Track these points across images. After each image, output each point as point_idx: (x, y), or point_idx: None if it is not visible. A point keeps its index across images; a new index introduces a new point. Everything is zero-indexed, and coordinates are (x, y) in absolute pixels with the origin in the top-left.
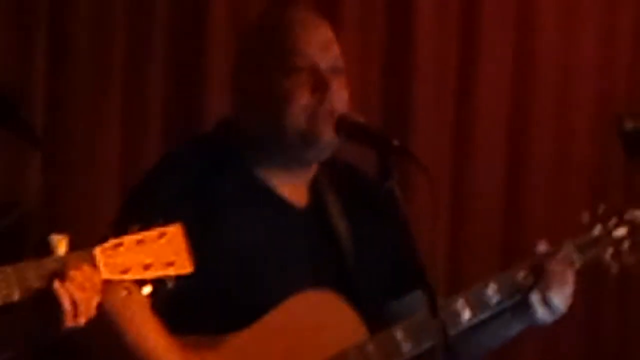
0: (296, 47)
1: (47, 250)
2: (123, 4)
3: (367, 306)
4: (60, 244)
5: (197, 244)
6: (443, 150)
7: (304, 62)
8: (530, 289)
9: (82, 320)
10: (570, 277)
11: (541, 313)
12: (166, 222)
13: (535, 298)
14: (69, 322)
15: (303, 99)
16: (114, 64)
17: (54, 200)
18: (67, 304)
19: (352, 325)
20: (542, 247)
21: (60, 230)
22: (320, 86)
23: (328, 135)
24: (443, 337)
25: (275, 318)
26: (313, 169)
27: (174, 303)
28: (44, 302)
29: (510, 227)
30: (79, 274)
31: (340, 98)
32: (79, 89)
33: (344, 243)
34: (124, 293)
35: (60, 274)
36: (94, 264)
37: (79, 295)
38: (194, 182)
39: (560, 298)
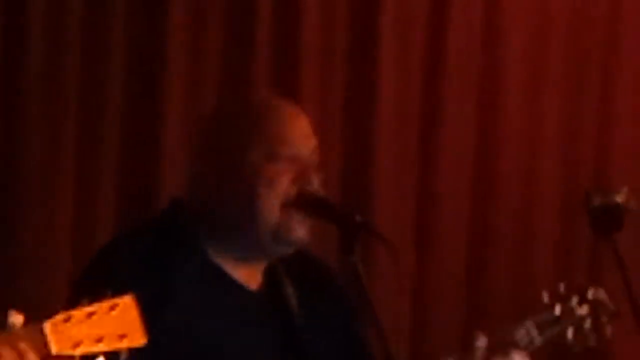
0: (283, 135)
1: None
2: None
3: None
4: (15, 320)
5: (149, 323)
6: (405, 221)
7: (289, 151)
8: None
9: None
10: None
11: None
12: (115, 294)
13: None
14: None
15: (283, 187)
16: (67, 122)
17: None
18: None
19: None
20: (480, 341)
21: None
22: (302, 177)
23: (301, 233)
24: None
25: None
26: (270, 257)
27: None
28: None
29: (474, 302)
30: (8, 353)
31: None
32: (30, 159)
33: (298, 326)
34: None
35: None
36: (44, 339)
37: None
38: (148, 261)
39: None
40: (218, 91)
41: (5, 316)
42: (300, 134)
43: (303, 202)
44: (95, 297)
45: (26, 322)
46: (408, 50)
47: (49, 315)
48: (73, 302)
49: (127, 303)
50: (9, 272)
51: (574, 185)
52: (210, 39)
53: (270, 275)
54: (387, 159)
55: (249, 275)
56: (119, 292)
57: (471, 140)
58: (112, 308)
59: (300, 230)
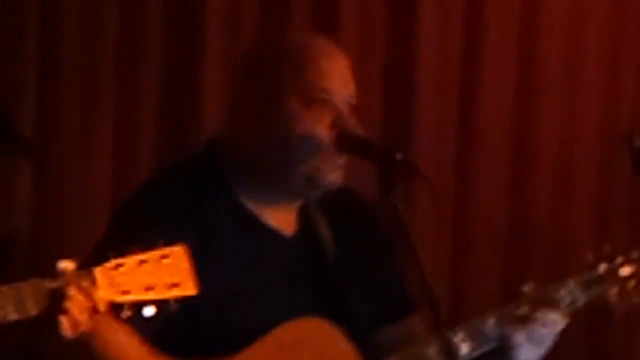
0: (321, 81)
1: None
2: (115, 16)
3: (359, 332)
4: (68, 268)
5: None
6: (446, 162)
7: (327, 97)
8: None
9: (76, 332)
10: (550, 339)
11: (522, 358)
12: (168, 242)
13: (517, 343)
14: (67, 334)
15: (321, 133)
16: (105, 75)
17: (44, 215)
18: (66, 323)
19: (345, 353)
20: (529, 288)
21: (50, 246)
22: (339, 123)
23: (334, 177)
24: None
25: (266, 345)
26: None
27: (160, 327)
28: (44, 320)
29: (515, 243)
30: (76, 290)
31: None
32: (70, 100)
33: (334, 269)
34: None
35: (59, 293)
36: (94, 284)
37: (76, 311)
38: (186, 204)
39: (534, 353)
40: (257, 30)
41: (54, 265)
42: (338, 79)
43: (344, 141)
44: (142, 243)
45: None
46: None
47: (97, 259)
48: (112, 242)
49: (179, 252)
50: (50, 211)
51: (614, 138)
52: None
53: (304, 217)
54: (428, 101)
55: (282, 219)
56: (154, 235)
57: (512, 76)
58: (164, 257)
59: (333, 174)
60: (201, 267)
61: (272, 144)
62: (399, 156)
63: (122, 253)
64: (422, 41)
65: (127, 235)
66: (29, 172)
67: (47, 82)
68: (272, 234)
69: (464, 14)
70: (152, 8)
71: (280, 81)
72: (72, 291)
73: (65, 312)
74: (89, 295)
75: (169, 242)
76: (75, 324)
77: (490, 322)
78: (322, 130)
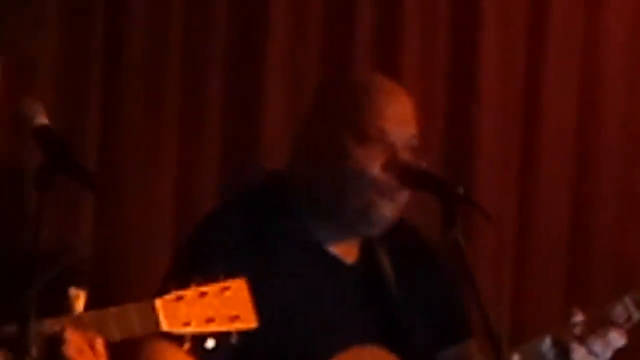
0: (375, 118)
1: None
2: (178, 48)
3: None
4: (78, 299)
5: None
6: (508, 195)
7: (381, 135)
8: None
9: None
10: (607, 356)
11: None
12: (228, 275)
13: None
14: None
15: (372, 172)
16: (168, 106)
17: (106, 247)
18: None
19: None
20: (578, 317)
21: (113, 280)
22: (392, 164)
23: (387, 212)
24: None
25: None
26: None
27: (225, 358)
28: None
29: (575, 276)
30: (75, 337)
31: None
32: (133, 132)
33: (394, 298)
34: (185, 347)
35: (56, 339)
36: (154, 316)
37: (74, 357)
38: (250, 234)
39: None
40: (321, 43)
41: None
42: (396, 117)
43: (406, 175)
44: (206, 275)
45: (128, 297)
46: (510, 33)
47: (157, 291)
48: (178, 273)
49: (240, 285)
50: (112, 243)
51: None
52: (313, 13)
53: (366, 250)
54: (489, 132)
55: (345, 250)
56: (220, 263)
57: (574, 96)
58: (225, 289)
59: (387, 209)
60: (265, 290)
61: (325, 179)
62: (460, 190)
63: (184, 285)
64: (482, 73)
65: (195, 266)
66: (91, 205)
67: (111, 118)
68: (335, 260)
69: (525, 49)
70: (216, 25)
71: (338, 116)
72: (70, 336)
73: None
74: (87, 338)
75: (233, 272)
76: None
77: (547, 342)
78: (374, 167)
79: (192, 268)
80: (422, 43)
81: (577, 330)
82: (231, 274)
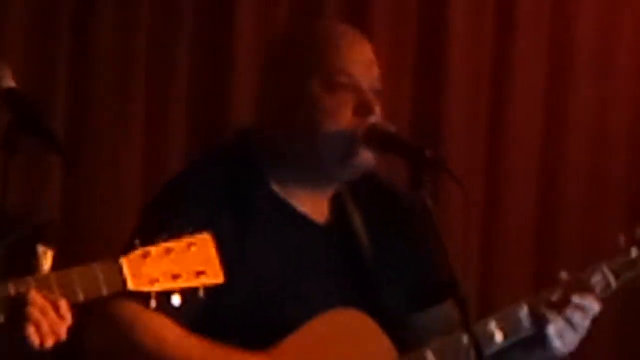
0: (343, 64)
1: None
2: (148, 10)
3: (391, 320)
4: (46, 257)
5: (224, 257)
6: (476, 159)
7: (349, 81)
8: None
9: (49, 343)
10: (586, 324)
11: (557, 345)
12: (194, 231)
13: (553, 330)
14: (36, 344)
15: (345, 119)
16: (137, 68)
17: (74, 209)
18: (29, 328)
19: (380, 344)
20: (564, 275)
21: (80, 240)
22: (363, 108)
23: (366, 157)
24: (476, 354)
25: (302, 336)
26: (337, 184)
27: (195, 316)
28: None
29: (544, 239)
30: (39, 298)
31: (379, 119)
32: (102, 95)
33: (367, 258)
34: (152, 305)
35: (20, 300)
36: (122, 275)
37: (38, 317)
38: (218, 193)
39: (570, 340)
40: (288, 19)
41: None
42: (361, 62)
43: (373, 137)
44: (172, 232)
45: (97, 256)
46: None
47: (124, 249)
48: (145, 231)
49: (205, 241)
50: (81, 206)
51: None
52: None
53: (337, 205)
54: (459, 94)
55: (315, 207)
56: (190, 223)
57: (544, 72)
58: (190, 246)
59: (366, 154)
60: (238, 253)
61: (297, 130)
62: (428, 153)
63: (148, 241)
64: (452, 36)
65: (163, 223)
66: (59, 168)
67: (79, 80)
68: (305, 222)
69: (496, 8)
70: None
71: (303, 66)
72: (35, 298)
73: (29, 319)
74: (53, 299)
75: (204, 228)
76: (45, 331)
77: (524, 309)
78: (346, 113)
79: (162, 224)
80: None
81: (556, 297)
82: (201, 230)
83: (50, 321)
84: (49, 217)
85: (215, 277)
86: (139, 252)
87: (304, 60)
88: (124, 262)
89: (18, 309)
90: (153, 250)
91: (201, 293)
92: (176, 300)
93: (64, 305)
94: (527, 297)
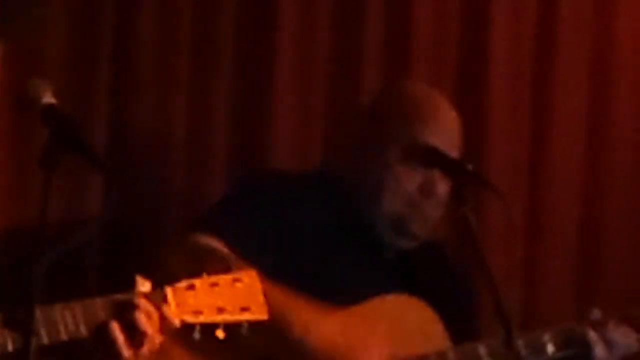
0: (424, 139)
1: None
2: (189, 30)
3: None
4: (143, 285)
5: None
6: (518, 176)
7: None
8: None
9: (145, 352)
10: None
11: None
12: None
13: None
14: (129, 352)
15: (409, 189)
16: (179, 86)
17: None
18: (123, 336)
19: (435, 330)
20: (595, 314)
21: (122, 257)
22: (426, 190)
23: (418, 227)
24: None
25: (366, 308)
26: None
27: None
28: (105, 333)
29: (588, 252)
30: (147, 302)
31: (439, 204)
32: (143, 111)
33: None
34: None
35: (129, 303)
36: (166, 303)
37: (144, 322)
38: (276, 210)
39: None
40: (330, 33)
41: (133, 282)
42: (441, 140)
43: (415, 153)
44: (221, 268)
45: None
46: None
47: (172, 281)
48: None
49: (251, 276)
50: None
51: None
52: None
53: (402, 255)
54: (500, 111)
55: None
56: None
57: (585, 81)
58: (236, 280)
59: (417, 224)
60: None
61: (365, 189)
62: (469, 167)
63: (195, 275)
64: (492, 59)
65: (229, 220)
66: (99, 185)
67: (120, 97)
68: (375, 245)
69: (536, 32)
70: (224, 15)
71: (387, 129)
72: (142, 302)
73: (132, 323)
74: (159, 311)
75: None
76: (140, 338)
77: (579, 330)
78: (412, 185)
79: (231, 221)
80: (433, 36)
81: (593, 323)
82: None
83: (154, 326)
84: (90, 234)
85: (260, 313)
86: (184, 283)
87: (389, 125)
88: (169, 290)
89: (123, 314)
90: (198, 282)
91: (244, 329)
92: (220, 334)
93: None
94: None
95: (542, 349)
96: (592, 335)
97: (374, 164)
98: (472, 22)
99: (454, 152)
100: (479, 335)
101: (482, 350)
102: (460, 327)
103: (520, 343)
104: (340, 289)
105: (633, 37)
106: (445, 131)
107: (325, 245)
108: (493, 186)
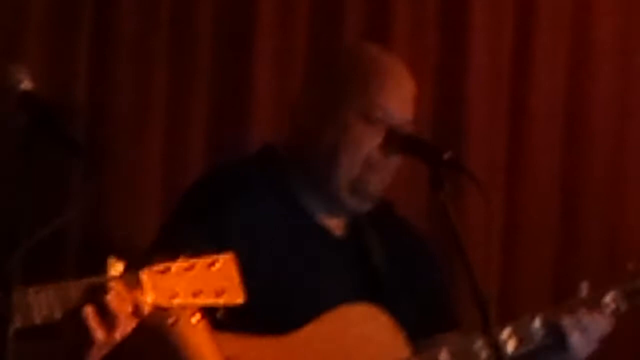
0: (382, 101)
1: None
2: (168, 17)
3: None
4: (115, 268)
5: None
6: (498, 161)
7: (383, 116)
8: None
9: (117, 336)
10: (605, 330)
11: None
12: (217, 246)
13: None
14: (102, 335)
15: (367, 149)
16: (157, 72)
17: (95, 209)
18: (96, 319)
19: (395, 339)
20: (584, 290)
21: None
22: (387, 146)
23: (375, 188)
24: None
25: (316, 327)
26: (350, 212)
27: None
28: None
29: (566, 240)
30: (120, 286)
31: (396, 162)
32: (122, 98)
33: (380, 275)
34: (170, 320)
35: (101, 286)
36: (140, 287)
37: (116, 305)
38: (242, 202)
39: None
40: (307, 30)
41: (105, 263)
42: (399, 102)
43: (392, 139)
44: (194, 244)
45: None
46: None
47: (146, 262)
48: (168, 236)
49: (227, 260)
50: (102, 207)
51: None
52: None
53: (354, 227)
54: (479, 98)
55: (334, 224)
56: (213, 230)
57: (563, 72)
58: (212, 264)
59: (375, 183)
60: (251, 261)
61: (322, 150)
62: (447, 155)
63: (175, 252)
64: (473, 41)
65: (197, 219)
66: (80, 170)
67: (99, 83)
68: (324, 231)
69: (515, 15)
70: (201, 8)
71: (344, 91)
72: (114, 285)
73: (104, 307)
74: (132, 295)
75: (226, 233)
76: (112, 321)
77: (537, 321)
78: (371, 145)
79: (199, 220)
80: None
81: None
82: (224, 236)
83: (126, 309)
84: (68, 219)
85: (236, 297)
86: (159, 266)
87: (346, 87)
88: (144, 274)
89: (96, 297)
90: (173, 266)
91: (220, 313)
92: (195, 318)
93: (142, 299)
94: (542, 309)
95: (533, 334)
96: (567, 323)
97: (331, 127)
98: (450, 23)
99: (408, 113)
100: (455, 302)
101: (443, 356)
102: (432, 293)
103: (507, 331)
104: (298, 288)
105: (610, 37)
106: (401, 92)
107: (277, 243)
108: (471, 174)
